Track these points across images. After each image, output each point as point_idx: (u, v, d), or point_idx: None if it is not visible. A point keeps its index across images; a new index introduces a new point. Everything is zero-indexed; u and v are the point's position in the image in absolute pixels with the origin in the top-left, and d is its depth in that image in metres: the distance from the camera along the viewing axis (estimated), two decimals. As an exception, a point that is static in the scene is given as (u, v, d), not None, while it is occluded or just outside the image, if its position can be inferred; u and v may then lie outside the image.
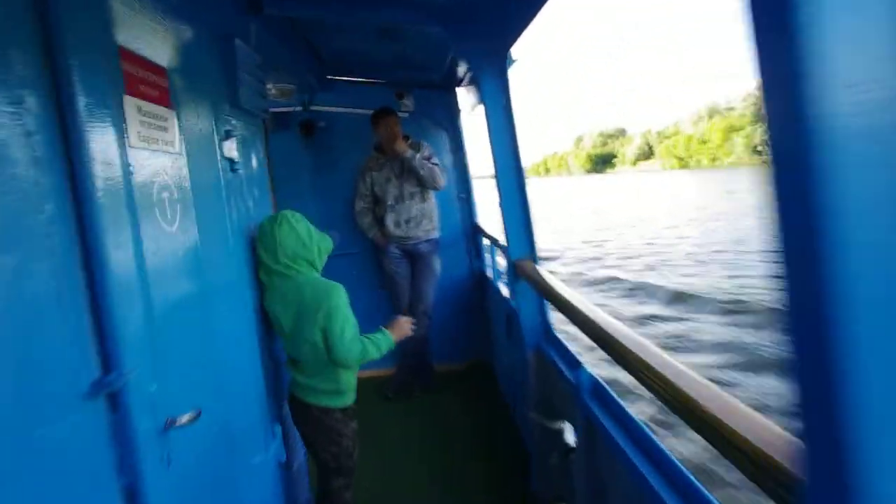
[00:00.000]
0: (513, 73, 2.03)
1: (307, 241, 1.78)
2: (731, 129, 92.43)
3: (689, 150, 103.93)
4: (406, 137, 3.43)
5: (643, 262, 11.85)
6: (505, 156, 2.03)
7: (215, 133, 1.43)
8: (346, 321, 1.72)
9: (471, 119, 3.77)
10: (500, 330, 3.15)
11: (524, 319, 2.08)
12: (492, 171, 2.15)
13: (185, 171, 1.16)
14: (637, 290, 9.25)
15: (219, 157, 1.44)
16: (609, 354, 1.17)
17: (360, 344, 1.76)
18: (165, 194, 1.02)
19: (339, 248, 3.77)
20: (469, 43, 1.99)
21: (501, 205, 2.08)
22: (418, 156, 3.30)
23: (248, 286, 1.71)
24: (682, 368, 0.98)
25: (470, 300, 3.83)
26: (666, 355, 1.02)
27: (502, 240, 2.87)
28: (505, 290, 3.06)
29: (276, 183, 3.41)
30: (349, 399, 1.88)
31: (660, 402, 0.98)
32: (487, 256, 3.69)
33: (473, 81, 3.14)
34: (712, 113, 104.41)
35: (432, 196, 3.50)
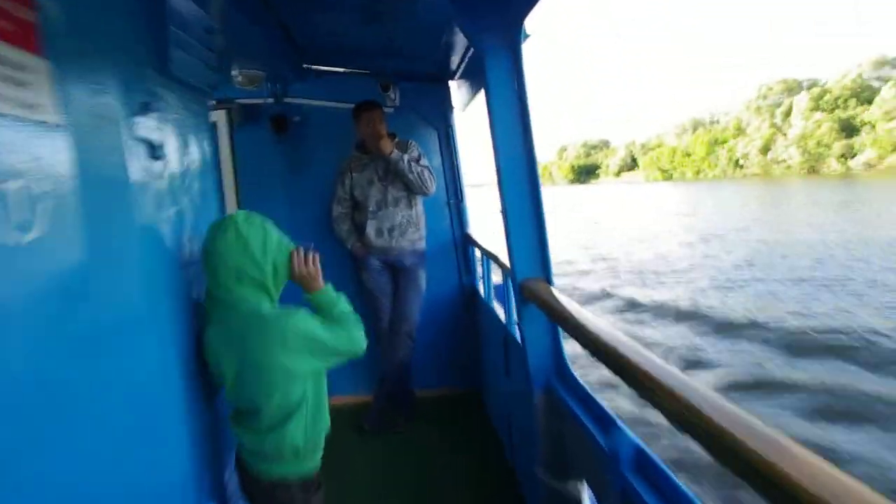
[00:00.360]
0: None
1: (258, 254, 1.35)
2: (716, 142, 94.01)
3: (674, 162, 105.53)
4: (392, 135, 3.09)
5: (694, 286, 10.56)
6: (513, 153, 1.70)
7: (123, 104, 1.05)
8: (314, 326, 1.39)
9: (464, 117, 3.45)
10: (493, 356, 2.81)
11: (532, 352, 1.74)
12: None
13: (65, 152, 0.79)
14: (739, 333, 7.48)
15: (126, 138, 1.05)
16: (683, 429, 0.83)
17: (340, 325, 1.45)
18: (11, 185, 0.65)
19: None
20: (472, 11, 1.65)
21: (506, 213, 1.74)
22: (406, 157, 2.97)
23: (171, 320, 1.28)
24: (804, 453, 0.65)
25: (458, 319, 3.49)
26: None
27: (500, 253, 2.54)
28: (500, 311, 2.72)
29: (242, 185, 3.06)
30: (312, 463, 1.47)
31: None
32: (479, 268, 3.36)
33: (471, 70, 2.81)
34: (696, 125, 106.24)
35: (420, 202, 3.16)
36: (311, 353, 1.37)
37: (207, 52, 1.58)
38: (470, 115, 3.35)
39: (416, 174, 2.99)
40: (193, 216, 1.50)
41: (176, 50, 1.29)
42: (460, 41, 2.49)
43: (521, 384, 1.93)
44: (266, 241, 1.38)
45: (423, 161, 3.10)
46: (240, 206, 3.02)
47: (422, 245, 3.20)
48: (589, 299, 9.95)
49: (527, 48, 1.64)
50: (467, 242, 3.44)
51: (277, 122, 3.26)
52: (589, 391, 1.50)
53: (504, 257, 2.43)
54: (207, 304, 1.40)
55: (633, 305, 9.41)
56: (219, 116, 2.95)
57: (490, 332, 2.93)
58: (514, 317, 2.32)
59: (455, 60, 2.83)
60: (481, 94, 3.07)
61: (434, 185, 3.09)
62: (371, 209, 3.08)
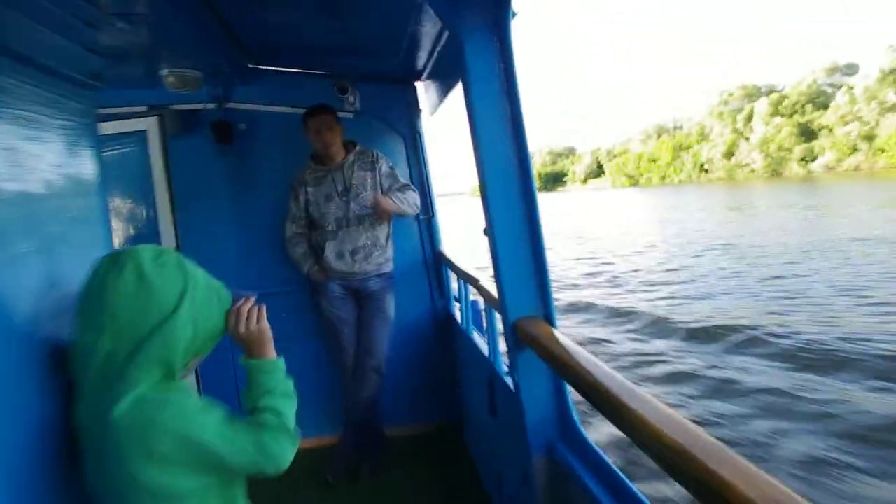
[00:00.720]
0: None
1: (166, 310, 0.95)
2: (680, 147, 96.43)
3: (640, 167, 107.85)
4: (352, 144, 2.79)
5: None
6: (501, 158, 1.42)
7: None
8: (203, 426, 0.95)
9: (433, 122, 3.18)
10: (475, 392, 2.52)
11: (530, 406, 1.45)
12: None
13: None
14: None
15: None
16: None
17: (253, 428, 1.00)
18: None
19: (264, 286, 3.07)
20: None
21: (493, 234, 1.46)
22: (394, 198, 2.74)
23: (21, 397, 0.91)
24: None
25: (432, 347, 3.19)
26: None
27: (482, 279, 2.25)
28: (482, 343, 2.43)
29: (179, 204, 2.70)
30: None
31: None
32: (454, 286, 3.07)
33: (441, 68, 2.53)
34: (661, 132, 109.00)
35: (387, 219, 2.85)
36: (195, 467, 0.94)
37: (86, 27, 1.24)
38: (439, 115, 3.08)
39: (410, 203, 2.78)
40: (67, 252, 1.14)
41: (14, 14, 0.95)
42: (428, 33, 2.21)
43: (513, 439, 1.64)
44: (186, 291, 0.97)
45: (397, 174, 2.85)
46: (176, 229, 2.66)
47: (388, 267, 2.89)
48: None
49: (515, 31, 1.37)
50: (440, 262, 3.15)
51: (220, 131, 2.90)
52: (606, 460, 1.22)
53: (487, 281, 2.15)
54: (77, 370, 0.97)
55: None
56: (149, 124, 2.60)
57: (471, 366, 2.63)
58: (501, 353, 2.03)
59: (422, 57, 2.55)
60: (453, 96, 2.82)
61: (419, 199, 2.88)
62: (330, 229, 2.76)
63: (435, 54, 2.44)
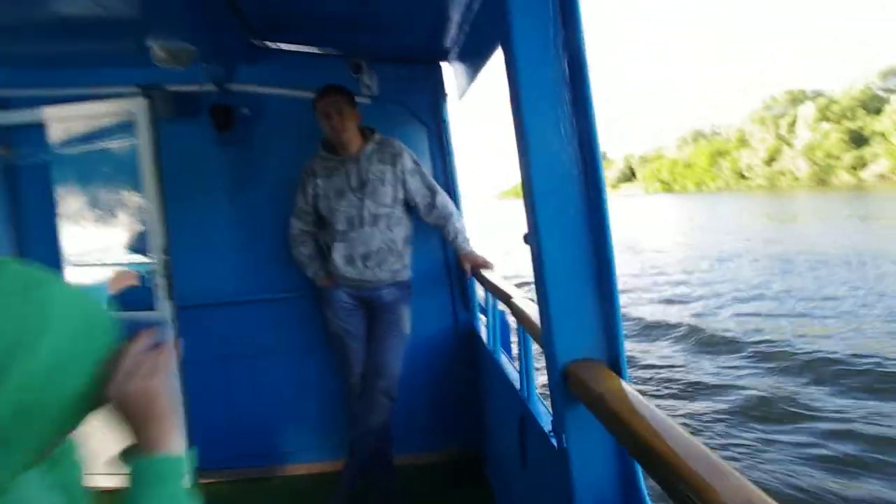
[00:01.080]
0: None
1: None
2: (718, 153, 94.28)
3: (674, 173, 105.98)
4: (370, 131, 2.49)
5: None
6: (556, 150, 1.08)
7: None
8: None
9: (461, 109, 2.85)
10: (501, 425, 2.19)
11: (581, 476, 1.10)
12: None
13: None
14: None
15: None
16: None
17: None
18: None
19: (266, 292, 2.78)
20: None
21: (539, 247, 1.11)
22: (456, 228, 2.63)
23: None
24: None
25: (452, 366, 2.86)
26: None
27: (516, 295, 1.91)
28: (512, 370, 2.09)
29: (170, 199, 2.43)
30: None
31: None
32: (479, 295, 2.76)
33: (473, 44, 2.20)
34: (697, 137, 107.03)
35: (406, 218, 2.56)
36: None
37: None
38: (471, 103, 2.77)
39: (457, 218, 2.64)
40: None
41: None
42: (458, 2, 1.89)
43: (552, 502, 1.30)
44: (47, 327, 0.52)
45: (425, 172, 2.58)
46: (166, 228, 2.39)
47: (406, 275, 2.58)
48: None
49: None
50: (464, 269, 2.82)
51: (219, 116, 2.62)
52: None
53: (523, 298, 1.81)
54: None
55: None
56: (137, 106, 2.33)
57: (497, 395, 2.29)
58: (538, 392, 1.69)
59: (451, 31, 2.22)
60: (485, 76, 2.50)
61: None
62: (340, 229, 2.46)
63: (466, 27, 2.12)
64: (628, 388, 0.96)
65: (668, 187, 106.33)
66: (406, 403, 2.60)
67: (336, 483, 2.50)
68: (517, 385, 1.86)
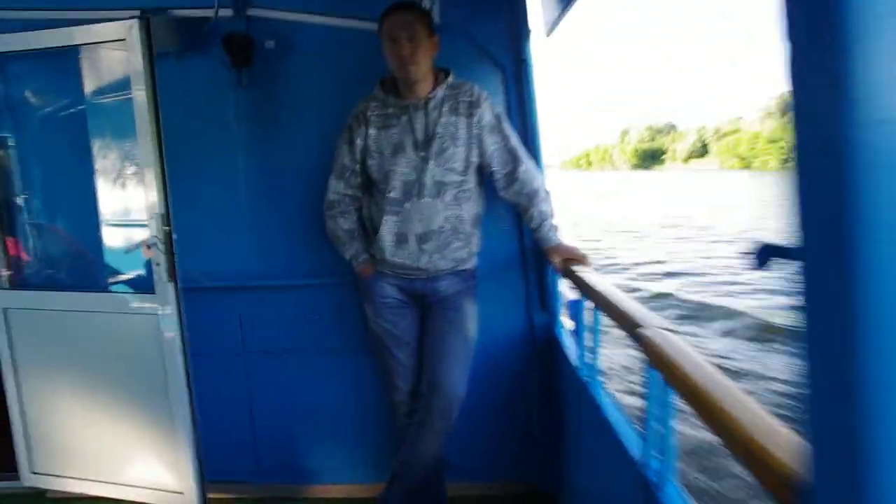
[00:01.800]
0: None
1: None
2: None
3: (755, 148, 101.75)
4: (443, 73, 1.97)
5: None
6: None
7: None
8: None
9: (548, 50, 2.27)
10: (596, 466, 1.65)
11: None
12: None
13: None
14: None
15: None
16: None
17: None
18: None
19: (291, 276, 2.41)
20: None
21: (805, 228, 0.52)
22: (543, 211, 2.07)
23: None
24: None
25: (523, 380, 2.37)
26: None
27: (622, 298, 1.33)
28: (625, 426, 1.51)
29: (171, 152, 2.04)
30: None
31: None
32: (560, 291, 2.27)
33: None
34: (785, 108, 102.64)
35: (478, 192, 2.05)
36: None
37: None
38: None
39: (545, 196, 2.08)
40: None
41: None
42: None
43: None
44: None
45: (507, 130, 2.02)
46: (165, 194, 1.99)
47: (471, 263, 2.06)
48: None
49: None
50: (546, 260, 2.25)
51: (236, 49, 2.17)
52: None
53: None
54: None
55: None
56: (128, 33, 1.88)
57: (590, 435, 1.74)
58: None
59: None
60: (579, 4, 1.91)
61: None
62: (393, 196, 1.95)
63: None
64: None
65: (746, 164, 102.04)
66: (463, 423, 2.11)
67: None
68: (635, 455, 1.27)
